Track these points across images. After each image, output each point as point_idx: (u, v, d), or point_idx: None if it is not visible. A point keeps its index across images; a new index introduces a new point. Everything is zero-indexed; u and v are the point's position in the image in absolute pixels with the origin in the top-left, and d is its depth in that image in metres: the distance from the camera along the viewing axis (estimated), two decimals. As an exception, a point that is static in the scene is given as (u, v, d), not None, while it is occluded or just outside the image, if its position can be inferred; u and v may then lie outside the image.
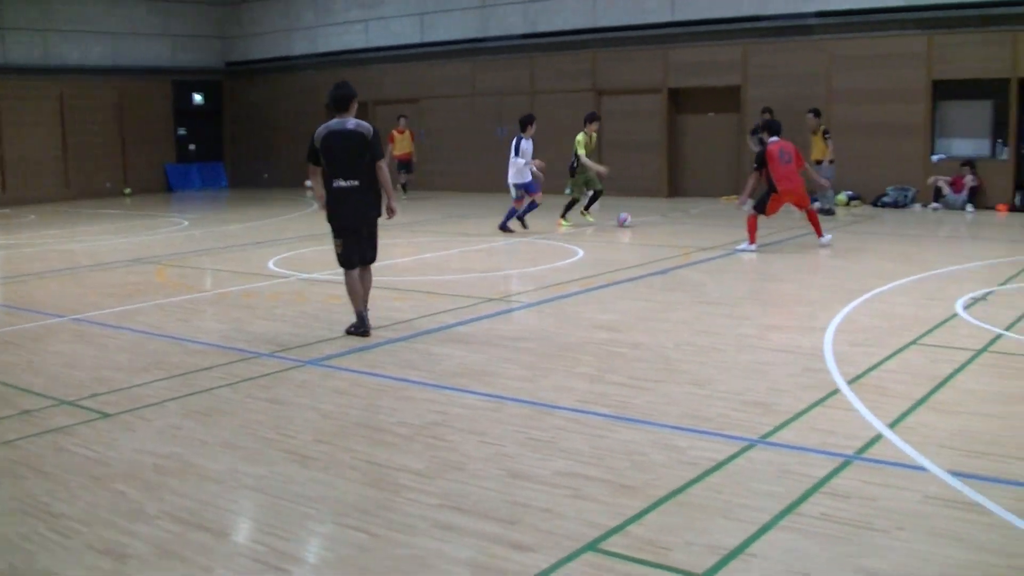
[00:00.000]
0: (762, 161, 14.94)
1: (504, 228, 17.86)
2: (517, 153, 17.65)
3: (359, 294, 9.38)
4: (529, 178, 17.73)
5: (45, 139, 29.27)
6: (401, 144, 25.93)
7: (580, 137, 18.39)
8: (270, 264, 14.41)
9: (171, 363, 8.51)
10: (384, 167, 9.33)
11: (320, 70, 31.34)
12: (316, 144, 9.29)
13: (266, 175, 33.16)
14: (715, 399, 7.10)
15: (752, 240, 14.87)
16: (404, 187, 26.12)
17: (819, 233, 15.15)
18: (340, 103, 9.31)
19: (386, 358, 8.56)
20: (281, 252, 15.80)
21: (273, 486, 5.57)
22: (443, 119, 29.07)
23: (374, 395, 7.42)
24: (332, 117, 9.35)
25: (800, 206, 15.34)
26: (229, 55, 34.09)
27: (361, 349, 8.87)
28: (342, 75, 30.34)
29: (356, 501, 5.30)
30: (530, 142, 17.79)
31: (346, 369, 8.18)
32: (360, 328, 9.32)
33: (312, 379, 7.93)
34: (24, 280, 13.57)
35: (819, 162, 19.91)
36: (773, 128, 15.53)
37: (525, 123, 17.89)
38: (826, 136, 20.47)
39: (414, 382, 7.71)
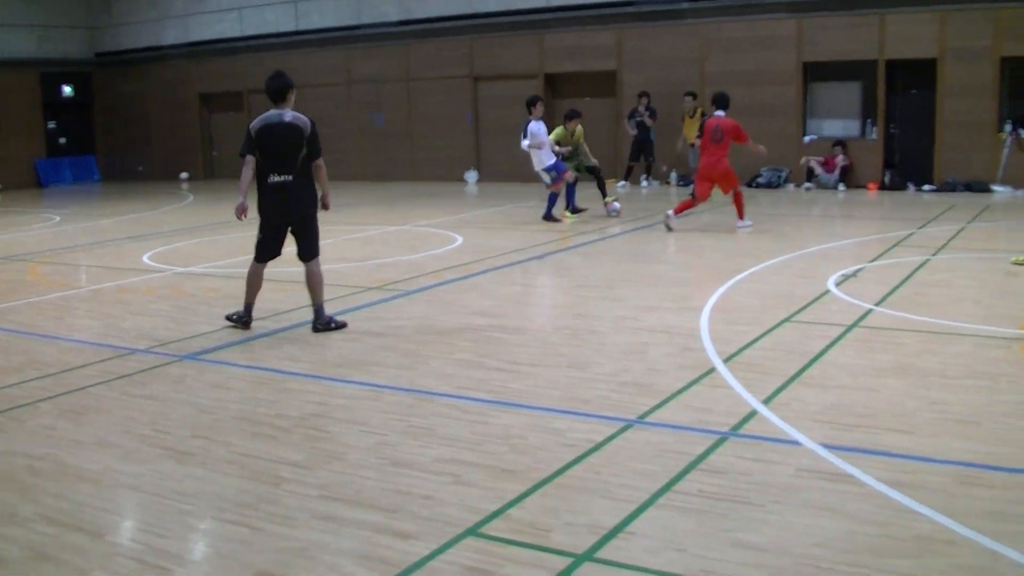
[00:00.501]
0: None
1: (548, 217, 16.87)
2: (525, 136, 16.85)
3: (255, 288, 9.20)
4: (553, 159, 16.79)
5: (-94, 135, 28.25)
6: None
7: (558, 130, 17.45)
8: (145, 258, 14.14)
9: (44, 362, 8.31)
10: (322, 165, 9.11)
11: (193, 59, 30.83)
12: (252, 134, 8.91)
13: (141, 167, 32.51)
14: (594, 381, 7.18)
15: (741, 216, 15.19)
16: None
17: (740, 216, 15.30)
18: (276, 94, 8.95)
19: (264, 350, 8.48)
20: (157, 246, 15.51)
21: (150, 484, 5.49)
22: (319, 108, 28.69)
23: (252, 388, 7.35)
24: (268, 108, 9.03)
25: (722, 188, 15.33)
26: (99, 45, 33.24)
27: (239, 342, 8.78)
28: (215, 65, 30.22)
29: (235, 495, 5.25)
30: (540, 123, 16.79)
31: (224, 363, 8.08)
32: (243, 319, 9.21)
33: (189, 374, 7.81)
34: None
35: (693, 144, 20.18)
36: (720, 102, 15.47)
37: (529, 105, 17.00)
38: (704, 117, 20.73)
39: (293, 373, 7.65)
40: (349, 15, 27.87)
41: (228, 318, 9.31)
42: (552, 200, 16.95)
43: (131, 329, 9.49)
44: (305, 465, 5.66)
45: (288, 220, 9.10)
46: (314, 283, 9.14)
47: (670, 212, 15.12)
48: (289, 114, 8.91)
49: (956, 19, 20.33)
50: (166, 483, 5.47)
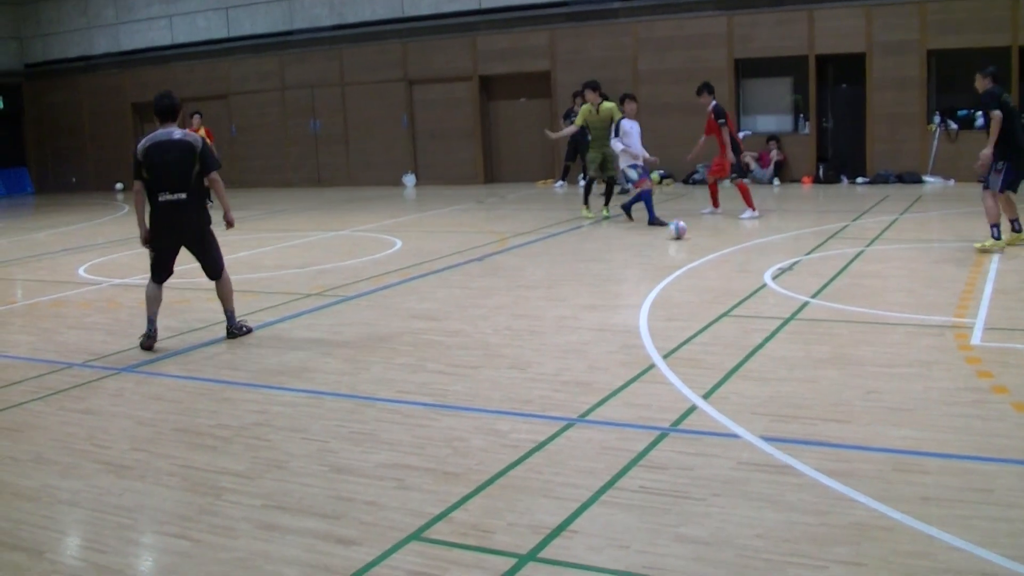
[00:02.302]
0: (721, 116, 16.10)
1: (654, 222, 15.49)
2: (616, 134, 15.98)
3: (151, 304, 8.88)
4: (632, 160, 15.82)
5: None
6: None
7: (585, 107, 16.61)
8: (80, 271, 13.97)
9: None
10: (218, 179, 8.90)
11: (124, 69, 30.51)
12: (139, 157, 8.67)
13: (74, 179, 32.11)
14: (535, 381, 7.21)
15: (751, 205, 15.89)
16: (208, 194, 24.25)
17: (715, 204, 16.87)
18: (166, 113, 8.78)
19: (204, 361, 8.41)
20: (92, 258, 15.32)
21: (89, 499, 5.43)
22: (254, 115, 28.65)
23: (192, 399, 7.28)
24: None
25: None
26: (27, 56, 32.77)
27: (177, 353, 8.70)
28: (147, 73, 29.94)
29: (176, 508, 5.21)
30: (633, 123, 15.88)
31: (162, 374, 8.00)
32: (148, 336, 8.84)
33: (127, 387, 7.73)
34: None
35: None
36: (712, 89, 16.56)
37: (619, 102, 16.42)
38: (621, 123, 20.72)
39: (232, 383, 7.61)
40: (281, 21, 27.73)
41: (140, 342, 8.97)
42: (645, 199, 15.67)
43: (68, 343, 9.38)
44: (247, 475, 5.63)
45: (182, 239, 8.92)
46: (224, 293, 9.11)
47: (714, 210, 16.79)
48: (178, 131, 8.74)
49: (883, 13, 20.67)
50: (106, 498, 5.41)
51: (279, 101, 28.21)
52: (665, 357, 7.62)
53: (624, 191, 19.42)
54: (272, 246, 15.59)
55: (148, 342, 8.82)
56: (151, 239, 8.86)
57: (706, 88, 16.38)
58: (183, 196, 8.67)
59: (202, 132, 22.09)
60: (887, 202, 17.24)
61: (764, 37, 21.82)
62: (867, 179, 21.08)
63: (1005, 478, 5.03)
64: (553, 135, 18.28)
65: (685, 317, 8.99)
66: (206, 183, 8.88)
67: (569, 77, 23.60)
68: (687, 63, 22.24)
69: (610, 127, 16.21)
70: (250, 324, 9.36)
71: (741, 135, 22.46)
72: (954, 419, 5.94)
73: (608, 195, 17.12)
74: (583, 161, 23.00)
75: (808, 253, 12.06)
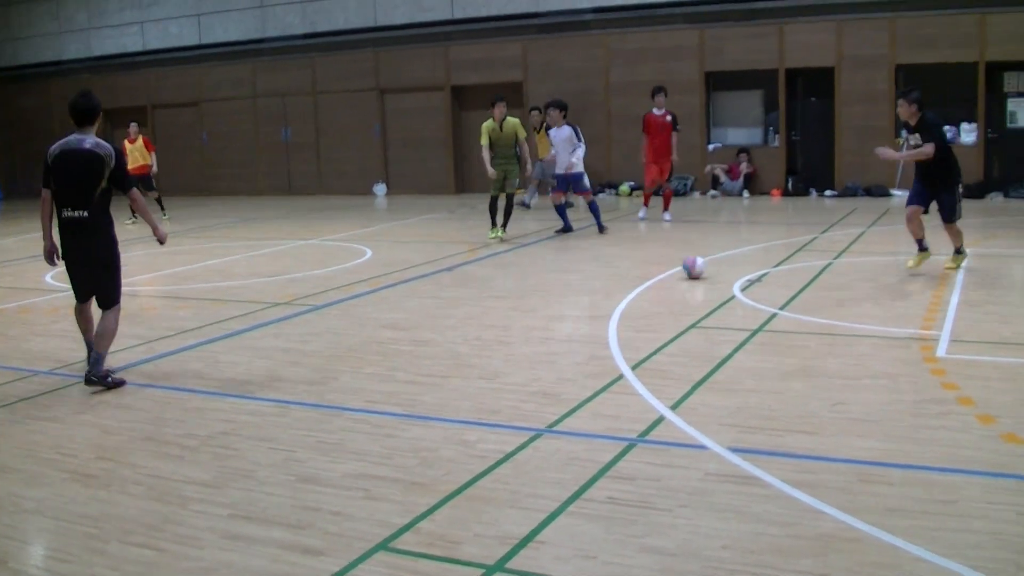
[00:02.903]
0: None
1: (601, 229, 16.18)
2: (580, 139, 16.30)
3: (83, 328, 8.09)
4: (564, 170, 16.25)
5: None
6: (133, 156, 21.32)
7: (487, 123, 15.94)
8: (47, 278, 13.85)
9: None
10: (136, 195, 8.01)
11: (96, 74, 30.27)
12: (48, 162, 7.78)
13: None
14: (503, 392, 7.21)
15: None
16: (160, 204, 21.87)
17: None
18: (82, 116, 7.82)
19: (171, 369, 8.37)
20: (59, 265, 15.17)
21: (54, 508, 5.39)
22: (225, 122, 28.56)
23: (159, 408, 7.23)
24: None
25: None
26: (-4, 60, 32.59)
27: (144, 361, 8.65)
28: (118, 79, 29.77)
29: (141, 517, 5.17)
30: (559, 130, 16.27)
31: (129, 383, 7.94)
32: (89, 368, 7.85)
33: (94, 395, 7.67)
34: None
35: (543, 159, 19.90)
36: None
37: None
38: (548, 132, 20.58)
39: (200, 392, 7.57)
40: (254, 28, 27.66)
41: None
42: (591, 208, 16.30)
43: (33, 350, 9.30)
44: (213, 484, 5.60)
45: (86, 261, 7.90)
46: (105, 329, 7.86)
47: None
48: (91, 140, 7.73)
49: (852, 28, 20.86)
50: (70, 507, 5.37)
51: (251, 109, 28.13)
52: (634, 368, 7.64)
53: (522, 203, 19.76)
54: (242, 254, 15.52)
55: (92, 375, 7.74)
56: (57, 255, 8.06)
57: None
58: (84, 214, 7.67)
59: (139, 142, 21.68)
60: (855, 215, 17.37)
61: (735, 50, 21.95)
62: (835, 192, 21.23)
63: (969, 489, 5.06)
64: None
65: (654, 328, 9.02)
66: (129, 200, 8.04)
67: (541, 88, 23.64)
68: (659, 75, 22.26)
69: (515, 144, 15.74)
70: (122, 378, 7.91)
71: (711, 147, 22.60)
72: (919, 430, 5.98)
73: (507, 215, 16.08)
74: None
75: (777, 265, 12.13)
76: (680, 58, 22.41)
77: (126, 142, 21.49)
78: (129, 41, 29.84)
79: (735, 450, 5.73)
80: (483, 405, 6.90)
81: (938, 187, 10.91)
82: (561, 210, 16.37)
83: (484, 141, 15.78)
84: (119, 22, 29.96)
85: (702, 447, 5.84)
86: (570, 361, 8.03)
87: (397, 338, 9.13)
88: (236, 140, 28.45)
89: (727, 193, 21.91)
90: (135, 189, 8.00)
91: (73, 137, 7.80)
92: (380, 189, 26.33)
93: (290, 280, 12.67)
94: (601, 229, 16.10)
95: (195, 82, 28.84)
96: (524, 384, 7.39)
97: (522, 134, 15.79)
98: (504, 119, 15.74)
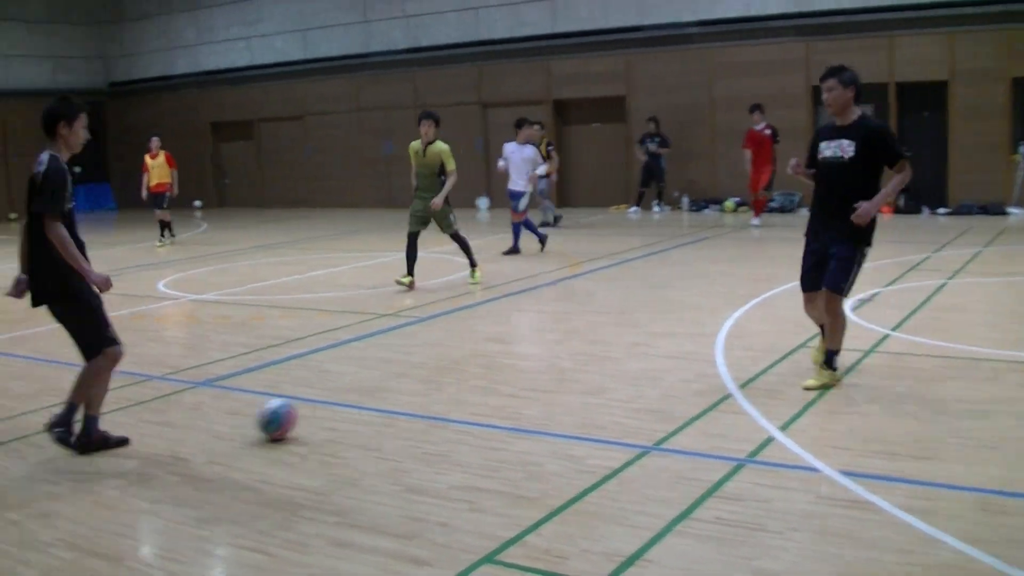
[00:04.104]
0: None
1: (513, 251, 16.48)
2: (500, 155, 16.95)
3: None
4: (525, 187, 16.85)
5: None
6: (154, 172, 20.82)
7: (413, 144, 13.63)
8: (160, 286, 14.15)
9: (62, 388, 8.16)
10: (52, 226, 6.18)
11: (203, 89, 30.97)
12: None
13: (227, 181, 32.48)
14: (609, 407, 7.15)
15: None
16: (170, 229, 20.90)
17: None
18: (43, 127, 6.47)
19: (279, 377, 8.45)
20: (171, 274, 15.52)
21: (167, 510, 5.47)
22: (328, 135, 28.93)
23: (267, 415, 7.30)
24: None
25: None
26: (111, 75, 33.42)
27: (253, 369, 8.75)
28: (225, 94, 30.33)
29: (252, 522, 5.22)
30: (520, 147, 17.14)
31: (239, 389, 8.05)
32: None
33: (205, 400, 7.80)
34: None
35: (549, 174, 19.84)
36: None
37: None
38: (549, 149, 20.38)
39: (308, 400, 7.62)
40: (358, 43, 27.98)
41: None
42: (516, 231, 16.62)
43: (147, 356, 9.47)
44: (321, 491, 5.64)
45: (41, 298, 6.54)
46: (92, 381, 6.69)
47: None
48: (46, 154, 6.35)
49: (965, 40, 20.33)
50: (183, 509, 5.44)
51: (354, 123, 28.44)
52: (742, 387, 7.52)
53: (545, 223, 19.81)
54: (347, 265, 15.68)
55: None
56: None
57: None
58: (27, 241, 6.49)
59: (161, 157, 20.90)
60: (970, 234, 16.94)
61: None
62: (948, 209, 20.72)
63: (1096, 519, 4.88)
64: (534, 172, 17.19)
65: (762, 347, 8.87)
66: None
67: (645, 102, 23.53)
68: (764, 88, 21.98)
69: (440, 173, 13.16)
70: (118, 436, 6.73)
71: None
72: (1042, 457, 5.79)
73: (467, 254, 13.60)
74: (659, 187, 22.93)
75: (889, 284, 11.87)
76: (786, 72, 22.09)
77: (147, 157, 21.04)
78: (236, 56, 30.41)
79: (848, 474, 5.58)
80: (588, 420, 6.85)
81: None
82: (517, 229, 16.50)
83: (413, 161, 13.44)
84: (226, 38, 30.56)
85: (813, 469, 5.71)
86: (676, 378, 7.93)
87: (501, 351, 9.12)
88: (339, 153, 28.79)
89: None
90: (51, 215, 6.20)
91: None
92: (483, 202, 26.39)
93: (394, 292, 12.72)
94: (513, 250, 16.40)
95: (299, 96, 29.26)
96: (629, 400, 7.32)
97: (449, 165, 13.13)
98: (432, 142, 13.06)
